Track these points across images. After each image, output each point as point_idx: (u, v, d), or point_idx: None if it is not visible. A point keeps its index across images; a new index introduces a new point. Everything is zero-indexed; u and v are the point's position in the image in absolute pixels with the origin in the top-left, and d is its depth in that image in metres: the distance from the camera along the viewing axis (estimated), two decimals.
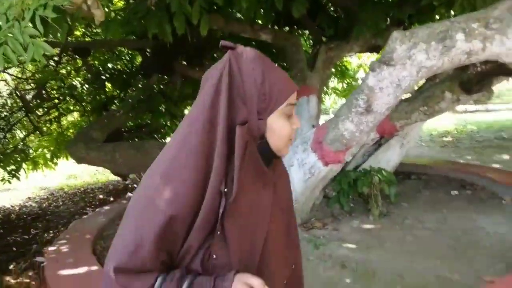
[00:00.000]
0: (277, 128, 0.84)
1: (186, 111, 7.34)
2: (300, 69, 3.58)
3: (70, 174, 9.70)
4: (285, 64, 5.53)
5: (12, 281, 3.29)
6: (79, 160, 3.55)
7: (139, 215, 0.79)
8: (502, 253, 2.28)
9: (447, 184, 3.72)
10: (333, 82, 7.84)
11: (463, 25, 1.84)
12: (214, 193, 0.79)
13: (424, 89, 2.85)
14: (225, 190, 0.80)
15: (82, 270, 2.44)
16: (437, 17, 3.45)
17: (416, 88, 3.20)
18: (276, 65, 0.87)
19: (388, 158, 3.48)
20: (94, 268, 2.45)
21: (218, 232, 0.80)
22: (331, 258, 2.42)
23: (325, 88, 7.20)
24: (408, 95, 2.93)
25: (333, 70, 6.67)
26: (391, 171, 3.60)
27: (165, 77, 5.00)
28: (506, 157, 6.33)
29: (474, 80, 2.37)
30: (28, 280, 3.27)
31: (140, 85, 4.36)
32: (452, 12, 3.20)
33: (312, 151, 2.40)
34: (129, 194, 5.55)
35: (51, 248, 2.94)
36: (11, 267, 3.66)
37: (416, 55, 1.88)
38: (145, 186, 0.82)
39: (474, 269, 2.13)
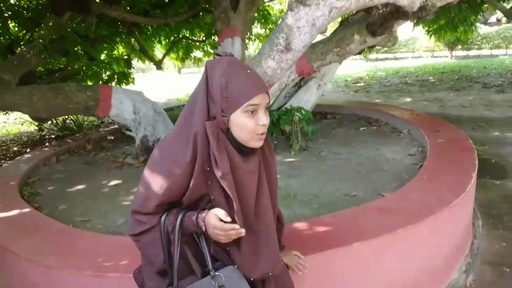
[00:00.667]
0: (238, 123, 1.04)
1: (103, 56, 6.94)
2: (224, 10, 3.60)
3: None
4: (207, 6, 5.44)
5: None
6: None
7: (148, 178, 1.11)
8: (398, 174, 2.71)
9: (357, 122, 4.18)
10: (257, 28, 7.88)
11: None
12: (199, 170, 1.06)
13: (337, 32, 3.08)
14: (208, 169, 1.07)
15: (13, 212, 2.40)
16: None
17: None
18: (248, 69, 1.07)
19: (307, 99, 3.77)
20: (26, 210, 2.43)
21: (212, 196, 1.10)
22: None
23: (248, 34, 7.25)
24: (324, 37, 3.16)
25: (256, 15, 6.71)
26: (309, 110, 3.92)
27: (78, 16, 4.64)
28: (408, 99, 7.15)
29: (377, 23, 2.64)
30: None
31: (50, 24, 4.00)
32: None
33: None
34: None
35: None
36: None
37: None
38: (154, 156, 1.13)
39: (374, 187, 2.53)
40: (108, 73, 6.53)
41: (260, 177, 1.14)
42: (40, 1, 5.09)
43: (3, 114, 6.76)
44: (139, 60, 8.22)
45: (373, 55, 17.12)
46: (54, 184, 3.19)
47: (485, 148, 3.96)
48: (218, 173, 1.06)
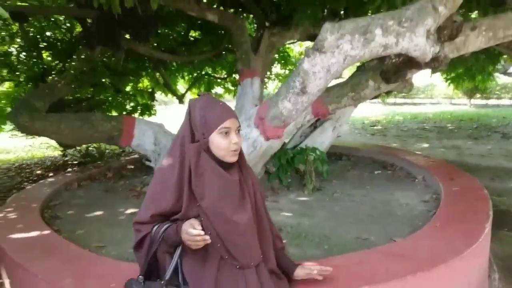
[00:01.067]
0: (215, 143, 1.35)
1: (128, 87, 7.25)
2: (245, 52, 3.78)
3: (2, 148, 9.12)
4: (230, 46, 5.69)
5: None
6: (23, 129, 3.49)
7: (147, 194, 1.46)
8: (411, 220, 2.70)
9: (372, 165, 4.20)
10: (276, 68, 8.15)
11: (381, 21, 2.15)
12: (188, 189, 1.36)
13: (353, 77, 3.19)
14: (196, 187, 1.35)
15: (34, 234, 2.49)
16: (370, 12, 3.81)
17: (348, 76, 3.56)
18: (220, 102, 1.40)
19: (322, 140, 3.84)
20: (46, 232, 2.52)
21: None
22: None
23: (268, 73, 7.51)
24: (339, 81, 3.28)
25: (276, 56, 6.98)
26: (324, 151, 3.98)
27: (108, 50, 4.92)
28: (425, 145, 7.14)
29: (391, 71, 2.74)
30: None
31: (82, 56, 4.27)
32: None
33: (255, 126, 2.64)
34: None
35: None
36: None
37: (343, 45, 2.16)
38: (154, 176, 1.49)
39: (386, 232, 2.52)
40: (132, 104, 6.80)
41: (241, 187, 1.42)
42: (73, 34, 5.45)
43: (29, 138, 7.04)
44: (162, 93, 8.55)
45: (391, 99, 17.28)
46: (74, 209, 3.29)
47: (503, 199, 3.90)
48: (194, 181, 1.36)
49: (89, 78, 4.50)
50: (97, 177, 4.26)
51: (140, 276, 1.45)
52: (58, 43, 5.35)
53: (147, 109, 6.61)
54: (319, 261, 1.97)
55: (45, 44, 5.31)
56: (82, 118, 3.52)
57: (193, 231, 1.26)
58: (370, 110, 15.02)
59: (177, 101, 8.53)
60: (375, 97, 4.02)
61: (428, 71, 5.32)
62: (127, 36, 4.85)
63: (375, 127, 9.93)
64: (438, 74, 7.64)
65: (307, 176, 3.37)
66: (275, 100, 2.51)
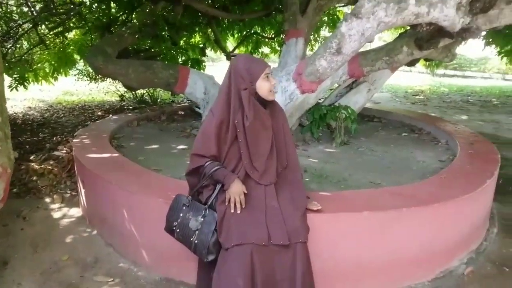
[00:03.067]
0: (261, 86, 1.81)
1: (181, 42, 7.73)
2: (293, 13, 4.08)
3: (66, 90, 10.12)
4: (280, 6, 5.95)
5: (37, 166, 3.96)
6: (96, 70, 4.09)
7: (201, 128, 1.93)
8: (423, 174, 3.03)
9: (400, 128, 4.49)
10: (325, 31, 8.27)
11: None
12: (232, 121, 1.84)
13: (389, 42, 3.44)
14: (236, 121, 1.83)
15: (105, 155, 3.11)
16: None
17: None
18: (256, 57, 1.91)
19: (356, 100, 4.16)
20: (115, 154, 3.13)
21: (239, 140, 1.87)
22: None
23: (316, 35, 7.67)
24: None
25: (326, 19, 7.12)
26: (357, 111, 4.29)
27: (169, 5, 5.37)
28: (464, 117, 7.15)
29: (424, 38, 2.98)
30: (50, 167, 3.95)
31: (146, 10, 4.76)
32: None
33: (293, 80, 3.03)
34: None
35: (75, 140, 3.58)
36: (32, 157, 4.31)
37: (378, 11, 2.44)
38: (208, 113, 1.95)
39: (398, 180, 2.87)
40: (183, 58, 7.30)
41: (272, 122, 1.93)
42: None
43: (93, 82, 7.84)
44: (211, 50, 8.99)
45: (441, 70, 16.63)
46: (135, 141, 3.92)
47: None
48: (247, 121, 1.81)
49: (151, 30, 5.00)
50: (153, 118, 4.88)
51: (189, 196, 1.96)
52: None
53: (197, 63, 7.06)
54: (331, 192, 2.41)
55: None
56: (146, 65, 4.06)
57: (237, 197, 1.82)
58: (417, 80, 14.69)
59: (224, 58, 8.97)
60: (410, 64, 4.25)
61: (481, 43, 5.34)
62: None
63: (417, 97, 9.88)
64: (492, 47, 7.44)
65: (336, 131, 3.75)
66: (313, 58, 2.87)
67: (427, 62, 11.36)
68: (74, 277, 2.45)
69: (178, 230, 1.92)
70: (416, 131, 4.30)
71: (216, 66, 14.54)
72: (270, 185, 1.93)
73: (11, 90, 5.97)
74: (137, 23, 4.81)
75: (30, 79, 6.73)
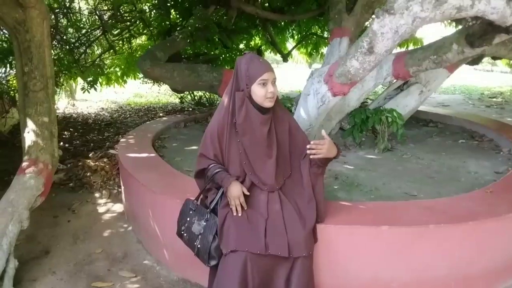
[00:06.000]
0: (255, 91, 1.72)
1: (241, 46, 7.86)
2: (338, 11, 3.90)
3: (137, 93, 10.89)
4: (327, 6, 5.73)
5: (92, 163, 4.29)
6: (145, 74, 4.33)
7: (205, 134, 1.91)
8: (470, 187, 2.68)
9: (459, 134, 4.05)
10: None
11: None
12: (229, 122, 1.79)
13: (438, 39, 3.12)
14: (234, 121, 1.78)
15: (143, 155, 3.27)
16: None
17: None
18: (261, 59, 1.78)
19: (406, 103, 3.84)
20: (152, 155, 3.27)
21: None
22: (329, 171, 3.00)
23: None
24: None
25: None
26: (408, 115, 3.98)
27: (222, 9, 5.48)
28: None
29: (477, 34, 2.64)
30: (103, 164, 4.26)
31: (198, 14, 4.90)
32: None
33: (324, 82, 2.89)
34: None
35: (122, 140, 3.82)
36: (90, 155, 4.69)
37: (413, 6, 2.22)
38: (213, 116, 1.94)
39: (439, 193, 2.59)
40: None
41: (270, 128, 1.82)
42: None
43: (157, 85, 8.30)
44: (271, 52, 9.01)
45: None
46: (178, 142, 4.06)
47: None
48: (238, 121, 1.77)
49: (202, 34, 5.13)
50: (200, 120, 5.02)
51: (195, 200, 1.95)
52: (183, 2, 6.12)
53: None
54: (353, 203, 2.24)
55: (172, 2, 6.14)
56: (191, 68, 4.20)
57: (237, 200, 1.76)
58: (497, 80, 13.19)
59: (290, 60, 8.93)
60: (472, 63, 3.83)
61: None
62: None
63: (494, 99, 8.86)
64: None
65: (379, 136, 3.50)
66: (344, 58, 2.71)
67: (511, 61, 10.18)
68: (102, 270, 2.59)
69: (185, 235, 1.93)
70: (477, 138, 3.85)
71: (281, 68, 14.54)
72: (274, 192, 1.85)
73: (84, 92, 6.54)
74: (189, 28, 4.97)
75: (104, 82, 7.38)
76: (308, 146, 1.76)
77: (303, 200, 1.89)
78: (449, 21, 5.40)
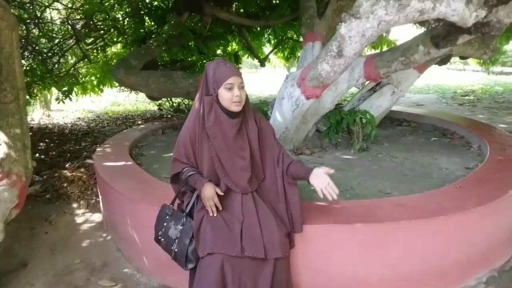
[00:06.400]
0: (221, 95, 1.75)
1: (218, 51, 7.89)
2: (310, 16, 3.99)
3: (114, 101, 10.77)
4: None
5: (69, 173, 4.23)
6: (119, 82, 4.31)
7: (179, 138, 1.91)
8: (442, 183, 2.75)
9: (431, 132, 4.18)
10: None
11: None
12: (200, 125, 1.82)
13: (405, 41, 3.23)
14: (206, 125, 1.79)
15: (120, 163, 3.25)
16: None
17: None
18: (228, 64, 1.79)
19: (379, 104, 3.95)
20: (129, 163, 3.25)
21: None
22: None
23: None
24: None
25: None
26: (381, 115, 4.09)
27: (196, 16, 5.50)
28: None
29: (441, 35, 2.75)
30: (80, 174, 4.20)
31: (172, 22, 4.91)
32: None
33: (297, 86, 2.95)
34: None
35: (99, 149, 3.78)
36: (67, 165, 4.62)
37: (377, 10, 2.30)
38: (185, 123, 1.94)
39: (412, 189, 2.65)
40: None
41: (241, 131, 1.85)
42: (170, 2, 6.15)
43: (136, 93, 8.23)
44: (249, 57, 9.07)
45: (497, 68, 15.30)
46: (156, 149, 4.04)
47: None
48: (207, 125, 1.80)
49: (177, 41, 5.14)
50: (178, 126, 5.00)
51: (170, 205, 1.96)
52: (157, 10, 6.12)
53: None
54: (327, 203, 2.28)
55: (146, 10, 6.12)
56: (166, 75, 4.20)
57: (211, 201, 1.79)
58: (469, 79, 13.64)
59: (266, 64, 8.98)
60: (441, 63, 3.96)
61: None
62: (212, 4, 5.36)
63: (466, 97, 9.16)
64: None
65: (354, 137, 3.58)
66: (315, 62, 2.78)
67: (481, 60, 10.56)
68: (81, 280, 2.56)
69: (162, 240, 1.94)
70: (448, 136, 3.98)
71: (259, 73, 14.64)
72: (247, 194, 1.88)
73: (58, 102, 6.42)
74: (164, 35, 4.97)
75: (79, 92, 7.27)
76: (323, 192, 1.85)
77: (279, 203, 1.93)
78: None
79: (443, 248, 2.13)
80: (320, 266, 2.06)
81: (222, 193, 1.83)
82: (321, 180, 1.85)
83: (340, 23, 2.52)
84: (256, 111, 2.01)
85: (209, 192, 1.79)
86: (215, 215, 1.80)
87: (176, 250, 1.86)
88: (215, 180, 1.87)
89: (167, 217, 1.94)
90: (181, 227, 1.87)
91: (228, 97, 1.74)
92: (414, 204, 2.21)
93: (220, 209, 1.82)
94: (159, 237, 1.95)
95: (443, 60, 4.02)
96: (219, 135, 1.81)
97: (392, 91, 3.94)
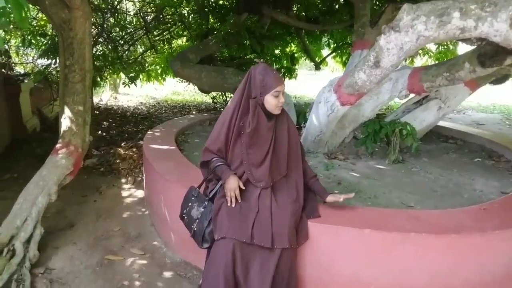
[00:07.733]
0: (268, 101, 1.94)
1: (277, 51, 8.06)
2: (362, 24, 4.03)
3: (174, 90, 11.40)
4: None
5: (122, 151, 4.66)
6: (175, 73, 4.65)
7: (213, 130, 2.11)
8: (472, 203, 2.69)
9: (477, 152, 4.00)
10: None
11: (462, 5, 2.23)
12: (236, 124, 2.00)
13: (452, 58, 3.17)
14: (241, 123, 1.99)
15: (165, 147, 3.56)
16: None
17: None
18: (274, 71, 2.00)
19: (424, 117, 3.88)
20: (173, 147, 3.55)
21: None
22: (334, 177, 3.14)
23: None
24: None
25: None
26: (425, 129, 4.03)
27: (254, 16, 5.72)
28: None
29: (488, 54, 2.69)
30: (131, 153, 4.61)
31: (231, 20, 5.16)
32: None
33: (334, 92, 3.03)
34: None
35: (149, 132, 4.15)
36: (122, 144, 5.08)
37: (417, 25, 2.34)
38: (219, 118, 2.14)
39: (435, 206, 2.62)
40: (277, 66, 7.60)
41: (273, 132, 2.05)
42: (233, 1, 6.44)
43: (193, 85, 8.69)
44: (306, 59, 9.14)
45: None
46: (200, 138, 4.33)
47: None
48: (248, 128, 1.94)
49: (234, 39, 5.40)
50: None
51: (197, 188, 2.20)
52: (220, 9, 6.44)
53: (289, 72, 7.29)
54: (342, 206, 2.36)
55: (210, 8, 6.47)
56: (218, 70, 4.46)
57: (233, 192, 1.97)
58: None
59: (326, 67, 8.97)
60: (496, 82, 3.81)
61: None
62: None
63: None
64: None
65: (391, 148, 3.57)
66: (353, 70, 2.85)
67: None
68: (116, 246, 2.89)
69: (185, 217, 2.17)
70: (494, 158, 3.80)
71: (318, 75, 14.59)
72: (266, 188, 2.04)
73: (125, 86, 7.02)
74: (222, 33, 5.25)
75: (144, 79, 7.85)
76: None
77: (293, 198, 2.08)
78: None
79: (453, 266, 2.12)
80: (325, 264, 2.15)
81: (244, 187, 2.02)
82: (335, 197, 2.19)
83: (380, 35, 2.58)
84: (287, 113, 2.18)
85: (232, 184, 1.98)
86: (233, 205, 1.99)
87: (195, 229, 2.08)
88: (240, 173, 2.06)
89: (193, 198, 2.16)
90: (202, 210, 2.08)
91: (274, 103, 1.94)
92: (431, 219, 2.22)
93: (239, 201, 2.01)
94: (183, 215, 2.17)
95: (499, 80, 3.86)
96: (255, 136, 2.00)
97: (439, 106, 3.86)
